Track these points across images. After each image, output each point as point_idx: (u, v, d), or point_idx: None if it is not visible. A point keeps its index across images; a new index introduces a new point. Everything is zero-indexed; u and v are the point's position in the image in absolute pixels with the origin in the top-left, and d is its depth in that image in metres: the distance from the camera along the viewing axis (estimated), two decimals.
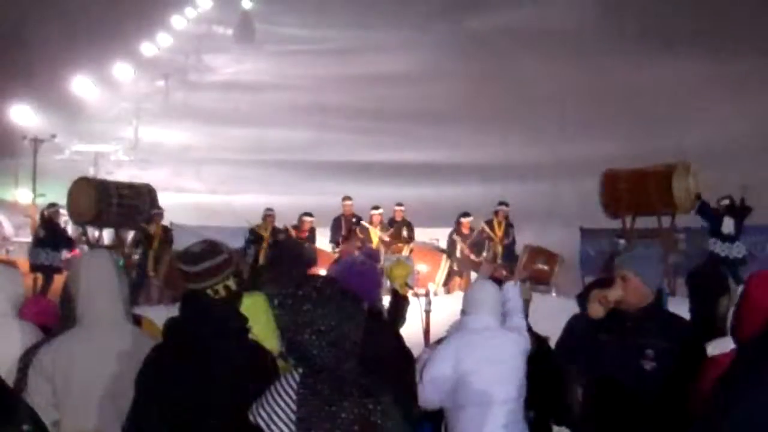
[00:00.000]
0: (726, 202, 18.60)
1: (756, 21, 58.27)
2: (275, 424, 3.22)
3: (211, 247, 4.03)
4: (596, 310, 5.18)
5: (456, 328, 6.34)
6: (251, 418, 3.26)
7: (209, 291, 3.92)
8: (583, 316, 5.35)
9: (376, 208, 21.45)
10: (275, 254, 6.69)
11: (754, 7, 60.25)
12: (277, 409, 3.23)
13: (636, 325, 5.13)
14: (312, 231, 21.05)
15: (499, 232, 20.82)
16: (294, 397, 3.23)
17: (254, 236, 19.80)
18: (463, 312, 6.26)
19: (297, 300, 3.34)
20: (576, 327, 5.46)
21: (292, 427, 3.21)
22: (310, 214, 21.15)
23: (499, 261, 20.52)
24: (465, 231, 21.13)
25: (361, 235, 20.78)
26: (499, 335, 6.12)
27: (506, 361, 6.02)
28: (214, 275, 3.93)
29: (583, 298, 6.65)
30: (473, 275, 20.79)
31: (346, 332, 3.32)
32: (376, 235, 20.87)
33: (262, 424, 3.23)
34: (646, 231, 19.80)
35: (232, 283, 3.97)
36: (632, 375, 5.07)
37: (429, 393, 5.93)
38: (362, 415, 3.26)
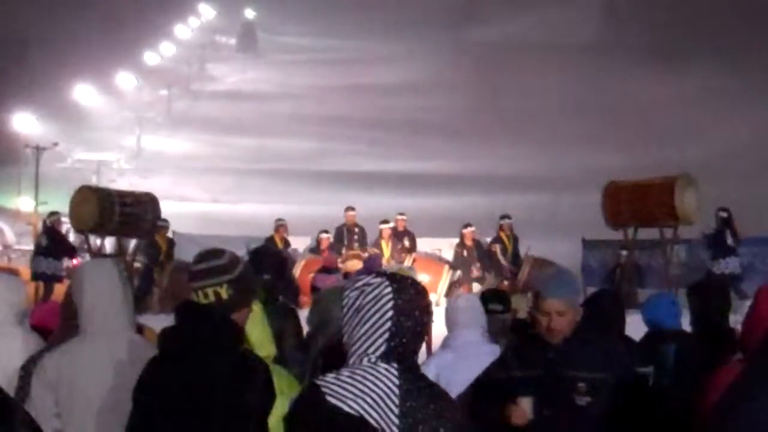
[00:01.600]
0: (724, 214, 18.61)
1: (757, 36, 58.34)
2: (382, 417, 3.19)
3: (212, 252, 4.04)
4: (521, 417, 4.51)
5: (440, 346, 6.26)
6: (347, 409, 3.19)
7: (200, 293, 3.91)
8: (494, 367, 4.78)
9: (385, 222, 21.45)
10: (254, 260, 6.60)
11: (755, 22, 60.35)
12: (380, 400, 3.20)
13: (560, 356, 4.53)
14: (331, 247, 21.03)
15: (509, 246, 20.87)
16: (397, 391, 3.21)
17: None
18: (447, 327, 6.16)
19: (413, 306, 3.30)
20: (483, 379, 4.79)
21: (396, 421, 3.20)
22: (327, 231, 21.19)
23: (507, 274, 20.54)
24: (468, 242, 21.15)
25: (376, 250, 20.78)
26: (485, 350, 5.88)
27: None
28: (205, 277, 3.92)
29: (584, 311, 6.64)
30: (476, 286, 20.81)
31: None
32: (387, 249, 20.92)
33: (368, 417, 3.19)
34: (648, 242, 19.81)
35: (223, 291, 3.91)
36: (565, 414, 4.48)
37: None
38: (456, 414, 3.34)
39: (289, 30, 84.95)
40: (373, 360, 3.25)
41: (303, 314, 6.65)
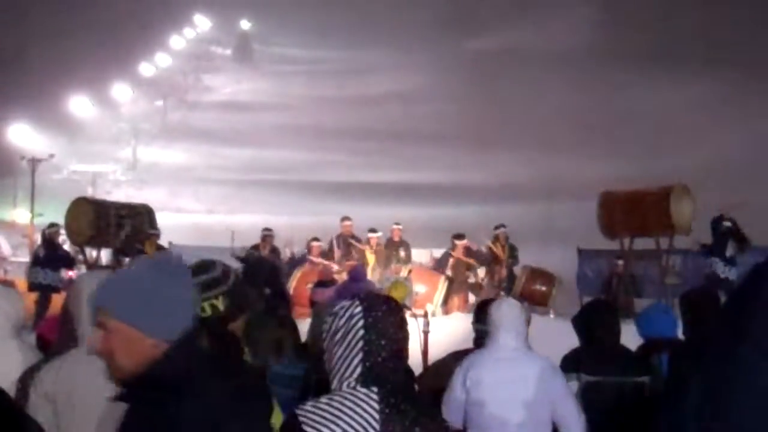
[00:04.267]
0: (728, 224, 18.61)
1: (753, 42, 58.45)
2: None
3: (202, 265, 4.04)
4: None
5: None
6: None
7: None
8: None
9: (373, 231, 21.48)
10: (249, 273, 6.65)
11: (751, 28, 60.47)
12: (359, 427, 3.15)
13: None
14: (323, 255, 21.09)
15: (503, 256, 20.84)
16: (377, 416, 3.16)
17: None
18: (487, 332, 6.16)
19: (385, 323, 3.26)
20: None
21: None
22: (318, 239, 21.27)
23: (503, 284, 20.53)
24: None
25: (356, 255, 20.87)
26: (520, 356, 5.96)
27: (523, 382, 5.84)
28: (200, 291, 3.93)
29: (578, 321, 6.67)
30: (471, 296, 20.80)
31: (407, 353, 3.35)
32: (371, 257, 20.92)
33: None
34: (644, 252, 19.83)
35: (219, 303, 3.92)
36: None
37: (447, 413, 5.90)
38: None
39: (285, 41, 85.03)
40: (352, 384, 3.22)
41: (298, 324, 6.69)
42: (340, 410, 3.17)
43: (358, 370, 3.22)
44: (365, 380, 3.22)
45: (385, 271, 20.36)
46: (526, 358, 5.97)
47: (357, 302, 3.28)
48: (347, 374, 3.23)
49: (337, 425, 3.15)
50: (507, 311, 6.11)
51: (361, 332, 3.23)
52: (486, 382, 5.88)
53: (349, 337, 3.24)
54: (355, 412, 3.17)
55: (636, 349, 6.74)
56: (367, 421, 3.16)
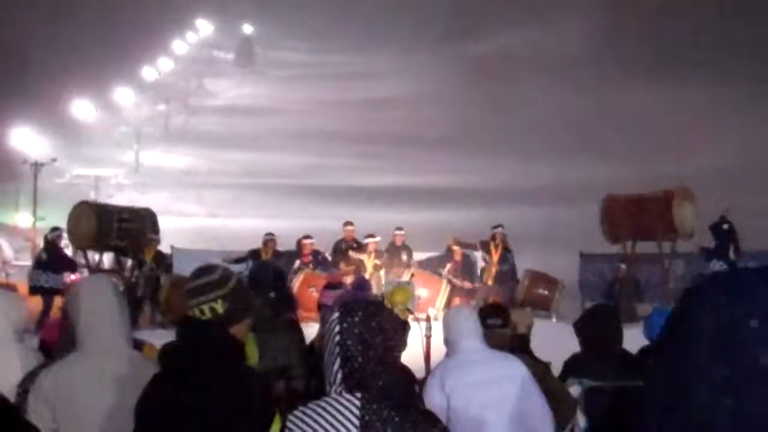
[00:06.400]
0: (726, 227, 18.68)
1: (755, 47, 58.48)
2: None
3: (206, 268, 4.07)
4: None
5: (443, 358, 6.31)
6: None
7: (196, 310, 3.93)
8: None
9: (371, 236, 21.44)
10: (256, 277, 6.67)
11: (753, 34, 60.51)
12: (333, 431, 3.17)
13: None
14: (314, 254, 21.06)
15: (495, 256, 20.80)
16: (357, 422, 3.16)
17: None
18: (446, 342, 6.17)
19: (361, 327, 3.26)
20: None
21: None
22: (309, 237, 21.24)
23: (490, 283, 20.50)
24: (457, 257, 21.18)
25: (355, 263, 20.83)
26: (491, 357, 5.96)
27: (499, 381, 5.84)
28: (199, 294, 3.94)
29: (580, 326, 6.66)
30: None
31: (398, 356, 3.34)
32: (370, 263, 20.89)
33: None
34: (646, 256, 19.83)
35: (219, 306, 3.93)
36: None
37: None
38: None
39: (287, 45, 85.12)
40: (338, 390, 3.24)
41: (303, 328, 6.70)
42: (322, 416, 3.20)
43: (339, 375, 3.24)
44: (348, 385, 3.23)
45: (387, 276, 20.35)
46: (495, 357, 5.98)
47: (336, 308, 3.33)
48: (333, 379, 3.26)
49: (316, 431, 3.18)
50: (467, 318, 6.15)
51: (337, 338, 3.26)
52: (465, 384, 5.86)
53: (330, 343, 3.27)
54: (336, 419, 3.18)
55: (636, 353, 6.73)
56: (346, 428, 3.16)
